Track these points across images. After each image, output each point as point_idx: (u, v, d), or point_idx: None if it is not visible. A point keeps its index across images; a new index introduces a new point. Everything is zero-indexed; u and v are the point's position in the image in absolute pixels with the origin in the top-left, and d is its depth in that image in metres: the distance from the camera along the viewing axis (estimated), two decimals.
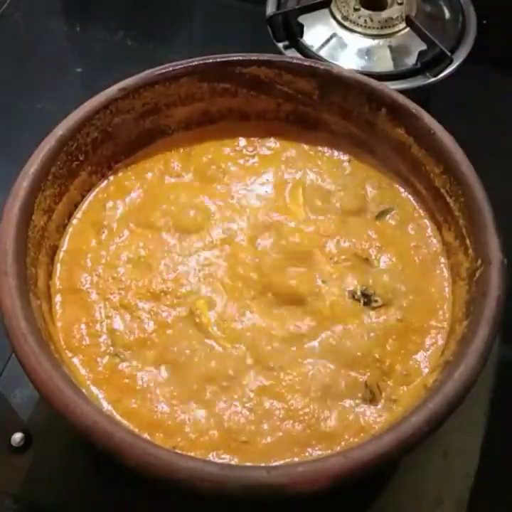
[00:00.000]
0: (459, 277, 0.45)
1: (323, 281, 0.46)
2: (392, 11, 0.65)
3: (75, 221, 0.49)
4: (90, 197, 0.50)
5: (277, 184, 0.51)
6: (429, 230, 0.49)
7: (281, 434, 0.40)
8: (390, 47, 0.64)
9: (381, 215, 0.49)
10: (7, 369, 0.50)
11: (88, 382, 0.42)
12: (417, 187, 0.49)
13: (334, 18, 0.66)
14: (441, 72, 0.62)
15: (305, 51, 0.63)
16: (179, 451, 0.37)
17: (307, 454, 0.39)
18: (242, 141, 0.53)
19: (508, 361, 0.52)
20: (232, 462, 0.39)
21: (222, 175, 0.51)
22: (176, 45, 0.72)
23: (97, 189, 0.50)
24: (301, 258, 0.47)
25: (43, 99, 0.67)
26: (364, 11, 0.65)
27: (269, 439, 0.40)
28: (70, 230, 0.48)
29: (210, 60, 0.50)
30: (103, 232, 0.48)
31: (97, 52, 0.73)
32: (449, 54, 0.61)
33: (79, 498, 0.46)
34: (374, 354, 0.43)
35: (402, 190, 0.50)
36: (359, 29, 0.65)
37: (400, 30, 0.65)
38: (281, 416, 0.41)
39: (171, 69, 0.50)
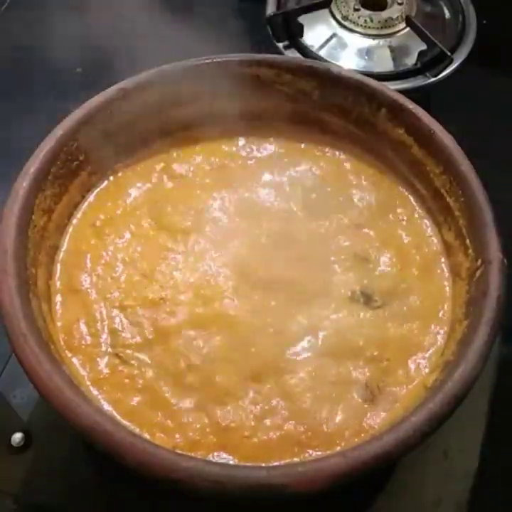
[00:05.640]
0: (459, 277, 0.45)
1: (324, 281, 0.46)
2: (392, 11, 0.65)
3: (75, 221, 0.49)
4: (90, 197, 0.50)
5: (277, 184, 0.51)
6: (429, 230, 0.49)
7: (282, 433, 0.40)
8: (390, 47, 0.64)
9: (381, 215, 0.49)
10: (7, 369, 0.50)
11: (88, 383, 0.42)
12: (417, 187, 0.49)
13: (334, 18, 0.66)
14: (441, 72, 0.62)
15: (305, 51, 0.63)
16: (179, 451, 0.37)
17: (307, 454, 0.40)
18: (242, 141, 0.53)
19: (509, 361, 0.52)
20: (232, 461, 0.39)
21: (222, 175, 0.51)
22: (176, 45, 0.72)
23: (97, 189, 0.50)
24: (301, 258, 0.47)
25: (43, 99, 0.67)
26: (364, 11, 0.65)
27: (270, 436, 0.40)
28: (70, 230, 0.48)
29: (210, 60, 0.50)
30: (103, 233, 0.48)
31: (97, 52, 0.73)
32: (449, 54, 0.62)
33: (79, 498, 0.46)
34: (374, 354, 0.43)
35: (402, 190, 0.51)
36: (359, 29, 0.65)
37: (400, 30, 0.65)
38: (284, 415, 0.41)
39: (170, 69, 0.50)
